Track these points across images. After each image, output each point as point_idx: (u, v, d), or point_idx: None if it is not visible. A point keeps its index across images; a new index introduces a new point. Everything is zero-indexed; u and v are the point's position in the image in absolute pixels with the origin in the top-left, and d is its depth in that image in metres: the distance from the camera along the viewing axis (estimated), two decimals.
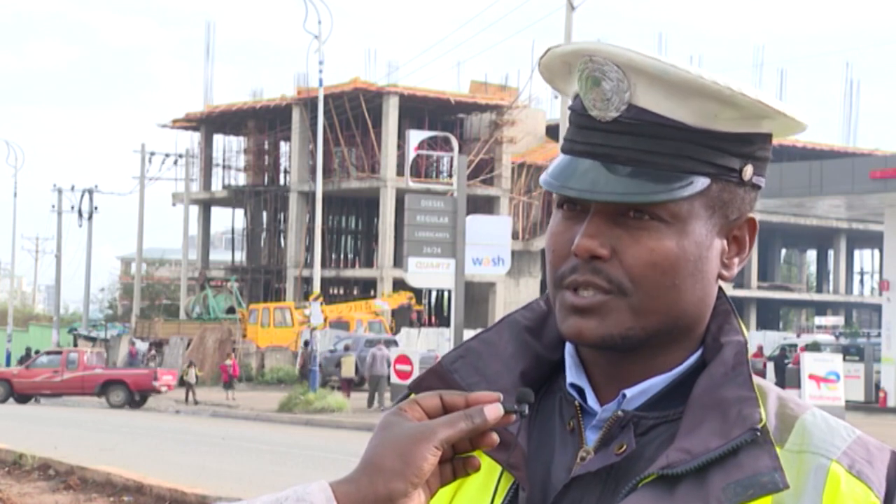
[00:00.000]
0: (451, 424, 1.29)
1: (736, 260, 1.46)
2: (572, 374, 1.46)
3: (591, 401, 1.45)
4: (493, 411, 1.30)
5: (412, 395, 1.52)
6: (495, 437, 1.32)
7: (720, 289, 1.48)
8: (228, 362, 40.16)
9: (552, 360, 1.50)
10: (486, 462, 1.40)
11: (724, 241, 1.45)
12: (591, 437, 1.43)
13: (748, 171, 1.43)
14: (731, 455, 1.36)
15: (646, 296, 1.39)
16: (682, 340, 1.45)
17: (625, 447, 1.40)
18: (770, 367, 38.67)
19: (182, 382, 39.23)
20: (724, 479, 1.35)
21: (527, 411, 1.33)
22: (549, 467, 1.43)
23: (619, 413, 1.42)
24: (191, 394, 37.95)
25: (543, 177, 1.44)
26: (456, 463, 1.34)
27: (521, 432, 1.41)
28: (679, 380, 1.44)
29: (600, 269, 1.39)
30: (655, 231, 1.39)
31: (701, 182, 1.40)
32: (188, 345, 50.05)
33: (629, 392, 1.43)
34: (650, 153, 1.39)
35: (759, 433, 1.37)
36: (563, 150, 1.45)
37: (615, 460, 1.39)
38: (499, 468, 1.42)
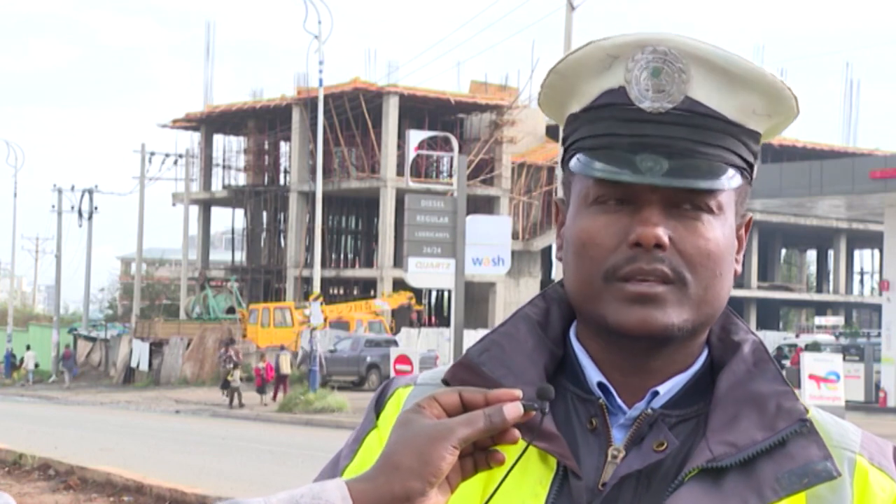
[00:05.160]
0: (469, 423, 1.28)
1: (740, 257, 1.49)
2: (597, 373, 1.46)
3: (619, 400, 1.45)
4: (513, 410, 1.30)
5: (377, 407, 1.54)
6: (516, 433, 1.31)
7: None
8: (262, 364, 37.93)
9: (559, 356, 1.49)
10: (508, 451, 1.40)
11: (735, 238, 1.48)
12: (618, 436, 1.43)
13: (755, 169, 1.48)
14: (778, 446, 1.38)
15: (701, 286, 1.41)
16: (701, 337, 1.47)
17: (665, 444, 1.41)
18: None
19: (226, 384, 37.36)
20: (776, 469, 1.37)
21: (547, 408, 1.33)
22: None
23: (649, 411, 1.43)
24: (235, 397, 36.09)
25: (585, 169, 1.42)
26: (478, 457, 1.32)
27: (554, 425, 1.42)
28: (695, 378, 1.46)
29: (662, 258, 1.39)
30: (706, 221, 1.41)
31: (738, 175, 1.43)
32: (188, 345, 50.07)
33: (661, 389, 1.44)
34: (704, 144, 1.40)
35: (807, 424, 1.40)
36: (603, 146, 1.42)
37: (658, 457, 1.40)
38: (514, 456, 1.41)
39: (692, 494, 1.36)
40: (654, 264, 1.39)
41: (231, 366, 37.68)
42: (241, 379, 36.64)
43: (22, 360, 58.42)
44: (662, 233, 1.38)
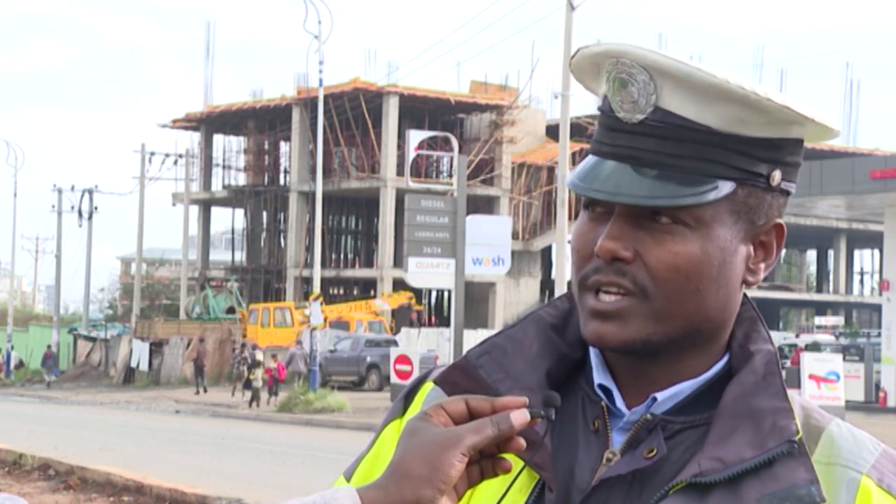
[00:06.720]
0: (477, 431, 1.29)
1: (762, 265, 1.45)
2: (599, 375, 1.45)
3: (619, 402, 1.44)
4: (520, 418, 1.30)
5: (407, 397, 1.54)
6: (522, 441, 1.32)
7: (744, 295, 1.47)
8: (273, 365, 36.78)
9: (575, 359, 1.49)
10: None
11: (751, 247, 1.44)
12: (617, 439, 1.42)
13: (776, 176, 1.42)
14: (765, 466, 1.35)
15: (668, 300, 1.39)
16: (705, 346, 1.44)
17: (655, 451, 1.39)
18: None
19: (248, 384, 36.61)
20: (760, 490, 1.34)
21: (553, 416, 1.33)
22: (572, 468, 1.42)
23: (648, 416, 1.42)
24: (255, 399, 35.34)
25: (569, 177, 1.43)
26: (484, 464, 1.33)
27: (546, 432, 1.40)
28: (706, 386, 1.44)
29: (624, 271, 1.39)
30: (679, 235, 1.39)
31: (726, 187, 1.39)
32: (188, 345, 50.04)
33: (660, 395, 1.42)
34: (675, 156, 1.38)
35: (795, 445, 1.36)
36: (591, 152, 1.44)
37: (646, 464, 1.38)
38: (517, 467, 1.40)
39: None
40: (612, 277, 1.39)
41: (246, 367, 37.13)
42: (263, 379, 36.04)
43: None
44: (621, 247, 1.38)
